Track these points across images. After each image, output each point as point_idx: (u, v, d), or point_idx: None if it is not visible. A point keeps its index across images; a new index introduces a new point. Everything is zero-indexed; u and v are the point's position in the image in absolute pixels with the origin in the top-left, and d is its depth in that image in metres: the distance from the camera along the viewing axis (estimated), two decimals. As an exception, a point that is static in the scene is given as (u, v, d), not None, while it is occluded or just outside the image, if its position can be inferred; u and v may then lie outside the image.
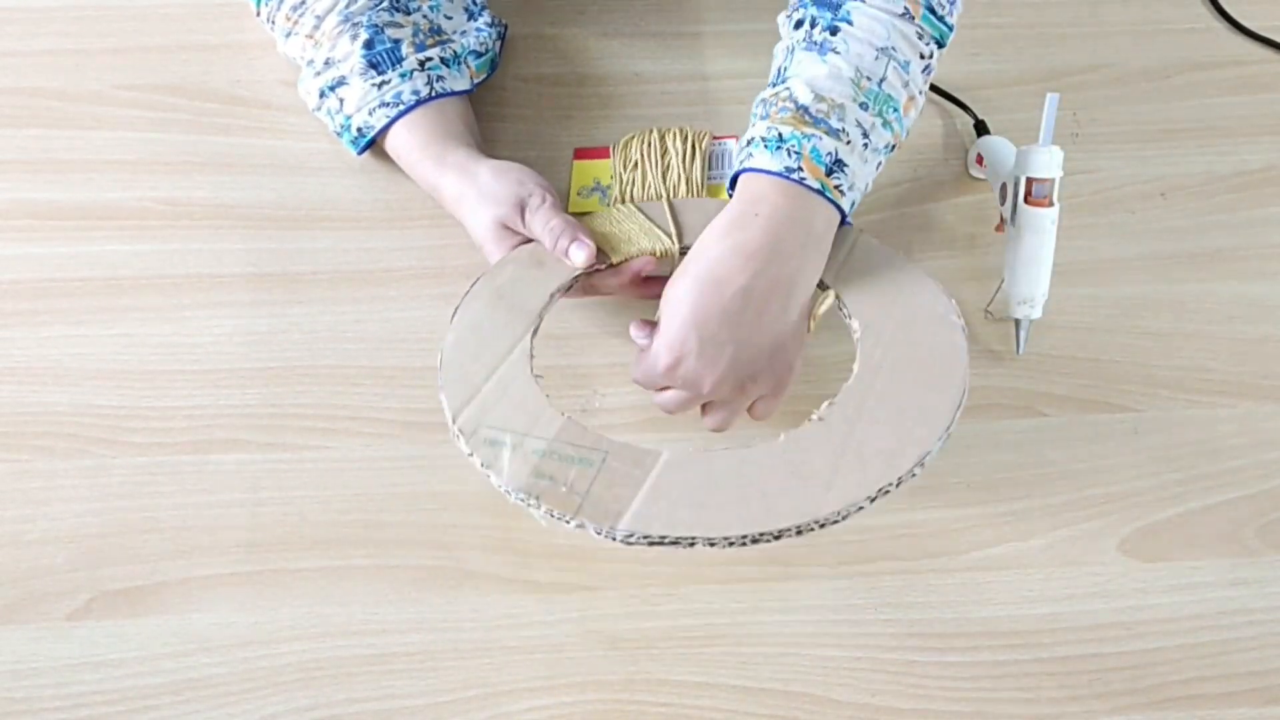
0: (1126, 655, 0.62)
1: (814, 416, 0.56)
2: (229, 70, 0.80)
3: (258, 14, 0.75)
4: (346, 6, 0.71)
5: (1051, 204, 0.69)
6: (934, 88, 0.80)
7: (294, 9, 0.72)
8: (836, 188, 0.62)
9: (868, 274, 0.64)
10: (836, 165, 0.62)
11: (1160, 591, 0.64)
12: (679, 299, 0.60)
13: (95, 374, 0.69)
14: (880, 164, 0.66)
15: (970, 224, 0.76)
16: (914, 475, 0.54)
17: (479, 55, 0.75)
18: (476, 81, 0.75)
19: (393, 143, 0.72)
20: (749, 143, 0.64)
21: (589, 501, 0.52)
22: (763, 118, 0.64)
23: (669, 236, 0.66)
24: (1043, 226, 0.68)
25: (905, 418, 0.55)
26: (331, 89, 0.71)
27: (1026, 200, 0.69)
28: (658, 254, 0.66)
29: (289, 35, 0.73)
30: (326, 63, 0.71)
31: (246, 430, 0.67)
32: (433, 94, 0.71)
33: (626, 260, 0.66)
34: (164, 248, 0.73)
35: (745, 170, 0.63)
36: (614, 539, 0.52)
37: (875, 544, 0.65)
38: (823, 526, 0.52)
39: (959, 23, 0.67)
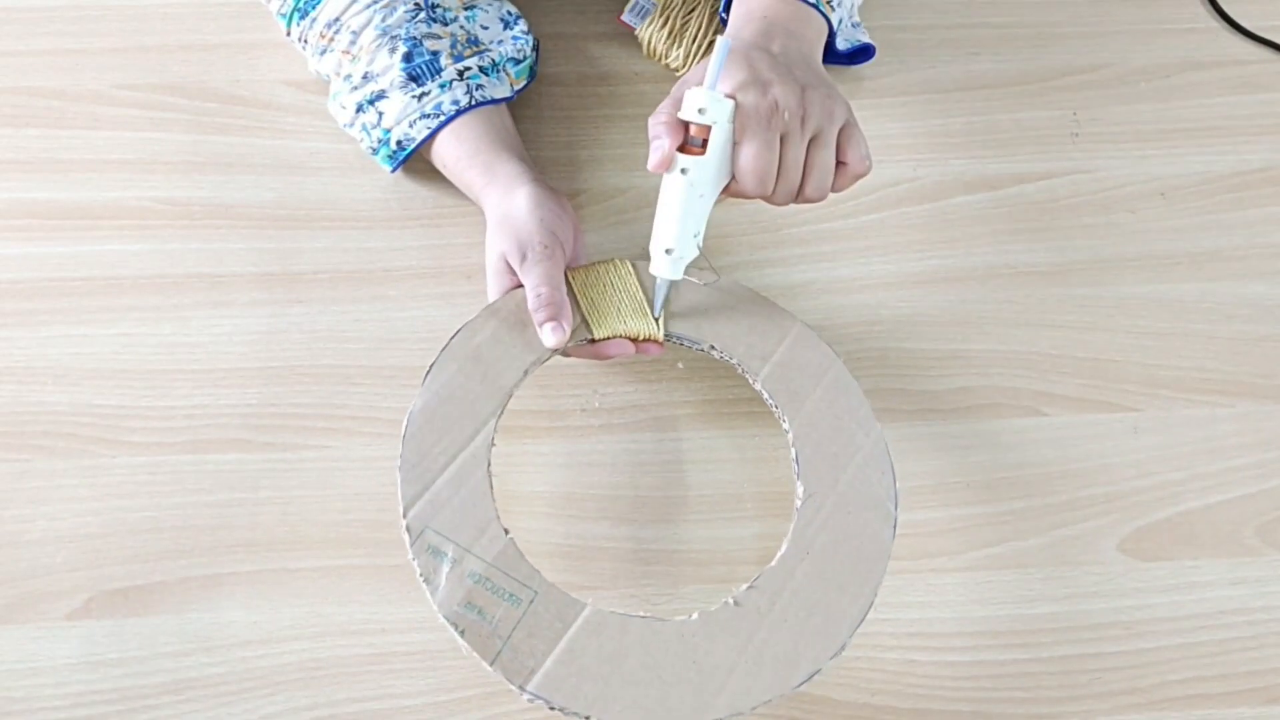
0: (1126, 655, 0.62)
1: (730, 599, 0.55)
2: (229, 70, 0.80)
3: (288, 34, 0.75)
4: (383, 20, 0.70)
5: (702, 153, 0.59)
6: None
7: (328, 26, 0.72)
8: (828, 2, 0.67)
9: (822, 410, 0.62)
10: None
11: (1160, 591, 0.64)
12: (729, 63, 0.59)
13: (95, 374, 0.69)
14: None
15: (970, 224, 0.76)
16: (798, 688, 0.54)
17: (517, 63, 0.75)
18: (517, 89, 0.74)
19: (439, 153, 0.71)
20: None
21: (508, 649, 0.53)
22: None
23: (656, 320, 0.64)
24: (673, 173, 0.59)
25: (810, 625, 0.55)
26: (370, 103, 0.71)
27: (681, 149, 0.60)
28: (640, 338, 0.64)
29: (324, 52, 0.72)
30: (365, 77, 0.71)
31: (246, 430, 0.67)
32: (473, 103, 0.70)
33: (607, 339, 0.64)
34: (164, 248, 0.73)
35: None
36: (522, 693, 0.53)
37: (875, 544, 0.65)
38: None
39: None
